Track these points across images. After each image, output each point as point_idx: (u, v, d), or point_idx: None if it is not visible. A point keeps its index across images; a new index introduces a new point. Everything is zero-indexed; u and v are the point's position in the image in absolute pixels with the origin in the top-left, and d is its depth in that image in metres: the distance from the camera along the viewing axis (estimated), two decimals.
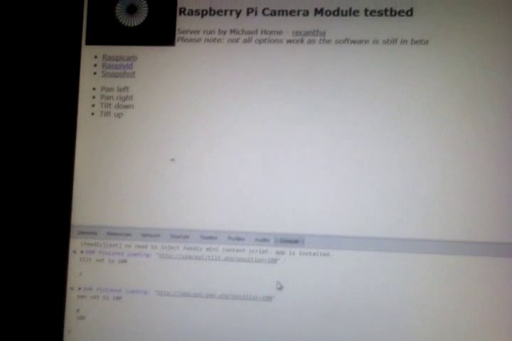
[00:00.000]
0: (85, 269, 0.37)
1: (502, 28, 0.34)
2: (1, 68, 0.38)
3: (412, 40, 0.35)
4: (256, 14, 0.36)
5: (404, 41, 0.35)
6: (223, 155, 0.36)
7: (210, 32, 0.37)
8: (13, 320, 0.37)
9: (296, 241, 0.35)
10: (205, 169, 0.36)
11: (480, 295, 0.34)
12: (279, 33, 0.36)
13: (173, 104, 0.37)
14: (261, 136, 0.36)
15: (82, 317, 0.37)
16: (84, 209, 0.37)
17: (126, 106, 0.37)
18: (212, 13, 0.37)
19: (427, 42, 0.35)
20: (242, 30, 0.36)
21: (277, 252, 0.35)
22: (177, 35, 0.37)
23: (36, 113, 0.38)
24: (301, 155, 0.35)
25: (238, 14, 0.36)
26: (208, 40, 0.37)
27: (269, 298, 0.35)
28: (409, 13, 0.35)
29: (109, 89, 0.37)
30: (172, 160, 0.36)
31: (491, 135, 0.34)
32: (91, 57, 0.37)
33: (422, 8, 0.35)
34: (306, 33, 0.36)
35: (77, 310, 0.37)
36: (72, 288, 0.37)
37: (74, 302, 0.37)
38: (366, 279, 0.35)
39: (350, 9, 0.35)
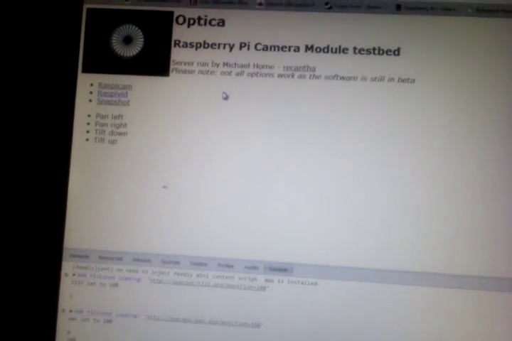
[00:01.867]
0: (77, 292, 0.38)
1: (489, 66, 0.36)
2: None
3: (399, 78, 0.36)
4: (248, 49, 0.37)
5: (391, 79, 0.36)
6: (215, 183, 0.37)
7: (204, 64, 0.38)
8: None
9: (285, 270, 0.36)
10: (197, 196, 0.37)
11: (469, 329, 0.35)
12: (271, 67, 0.37)
13: (166, 133, 0.38)
14: (252, 166, 0.37)
15: (73, 340, 0.37)
16: (76, 233, 0.38)
17: (120, 134, 0.38)
18: (206, 46, 0.38)
19: (413, 80, 0.36)
20: (235, 64, 0.37)
21: (266, 280, 0.36)
22: (171, 66, 0.38)
23: (32, 138, 0.38)
24: (291, 186, 0.37)
25: (231, 48, 0.38)
26: (201, 72, 0.38)
27: (257, 325, 0.36)
28: (396, 52, 0.36)
29: (104, 117, 0.38)
30: (164, 187, 0.37)
31: (484, 168, 0.36)
32: (87, 84, 0.38)
33: (408, 48, 0.36)
34: (297, 68, 0.37)
35: (68, 332, 0.37)
36: (63, 310, 0.38)
37: (65, 325, 0.38)
38: (353, 309, 0.36)
39: (340, 47, 0.37)
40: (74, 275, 0.38)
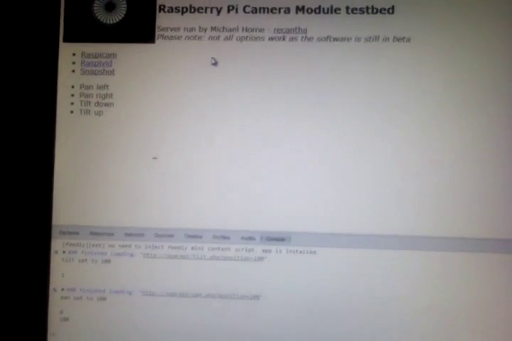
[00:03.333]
0: (68, 270, 0.36)
1: (485, 24, 0.35)
2: None
3: (394, 37, 0.35)
4: (237, 12, 0.36)
5: (386, 39, 0.35)
6: (207, 153, 0.36)
7: (191, 29, 0.36)
8: None
9: (282, 239, 0.35)
10: (188, 167, 0.36)
11: (470, 292, 0.35)
12: (261, 30, 0.36)
13: (153, 102, 0.36)
14: (245, 133, 0.36)
15: (66, 319, 0.36)
16: (65, 209, 0.36)
17: (106, 104, 0.36)
18: (192, 10, 0.36)
19: (409, 39, 0.35)
20: (223, 28, 0.36)
21: (264, 250, 0.35)
22: (157, 33, 0.36)
23: (14, 112, 0.37)
24: (287, 152, 0.35)
25: (219, 11, 0.36)
26: (188, 38, 0.36)
27: (256, 297, 0.35)
28: (390, 10, 0.35)
29: (89, 87, 0.37)
30: (154, 158, 0.36)
31: (479, 130, 0.35)
32: (69, 54, 0.37)
33: (403, 5, 0.35)
34: (288, 31, 0.36)
35: (61, 312, 0.36)
36: (54, 289, 0.36)
37: (57, 304, 0.36)
38: (353, 277, 0.35)
39: (332, 7, 0.35)
40: (64, 252, 0.36)
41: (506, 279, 0.35)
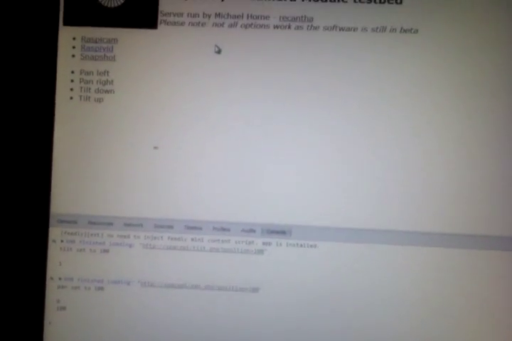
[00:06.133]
0: (65, 259, 0.36)
1: (493, 16, 0.34)
2: None
3: (402, 28, 0.34)
4: None
5: (393, 29, 0.34)
6: (208, 143, 0.35)
7: (194, 15, 0.35)
8: None
9: (283, 232, 0.35)
10: (189, 157, 0.35)
11: (468, 288, 0.35)
12: (266, 18, 0.35)
13: (155, 89, 0.35)
14: (246, 123, 0.35)
15: (63, 308, 0.36)
16: (63, 197, 0.36)
17: (107, 91, 0.36)
18: None
19: (416, 30, 0.34)
20: (228, 14, 0.35)
21: (264, 243, 0.35)
22: (159, 18, 0.35)
23: (12, 97, 0.36)
24: (289, 144, 0.35)
25: None
26: (191, 24, 0.35)
27: (255, 290, 0.35)
28: (398, 1, 0.34)
29: (89, 73, 0.36)
30: (155, 147, 0.35)
31: (487, 124, 0.34)
32: (69, 38, 0.36)
33: None
34: (294, 19, 0.35)
35: (58, 301, 0.36)
36: (52, 278, 0.36)
37: (54, 293, 0.36)
38: (354, 271, 0.35)
39: None
40: (62, 241, 0.36)
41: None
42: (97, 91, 0.36)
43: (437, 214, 0.34)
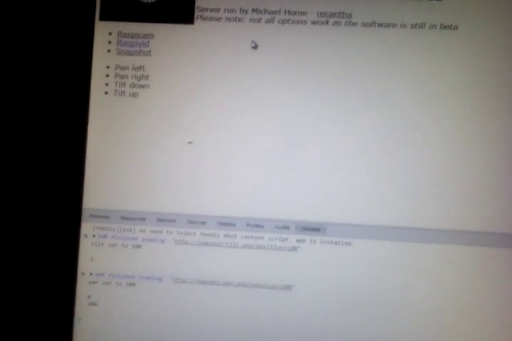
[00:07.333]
0: (97, 254, 0.36)
1: None
2: (11, 45, 0.36)
3: (442, 25, 0.34)
4: None
5: (432, 26, 0.34)
6: (244, 139, 0.35)
7: (231, 11, 0.35)
8: (22, 306, 0.36)
9: (317, 229, 0.34)
10: (224, 153, 0.35)
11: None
12: (304, 13, 0.35)
13: (190, 85, 0.35)
14: (282, 120, 0.35)
15: (94, 304, 0.36)
16: (96, 192, 0.36)
17: (142, 86, 0.35)
18: None
19: (456, 27, 0.34)
20: (265, 10, 0.35)
21: (298, 240, 0.35)
22: (196, 13, 0.35)
23: (47, 92, 0.36)
24: (323, 142, 0.34)
25: None
26: (228, 19, 0.35)
27: (288, 287, 0.35)
28: None
29: (124, 68, 0.36)
30: (189, 143, 0.35)
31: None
32: (105, 33, 0.36)
33: None
34: (332, 15, 0.34)
35: (89, 297, 0.36)
36: (83, 274, 0.36)
37: (85, 288, 0.36)
38: (388, 269, 0.34)
39: None
40: (94, 236, 0.36)
41: None
42: (132, 86, 0.36)
43: (473, 212, 0.34)
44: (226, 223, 0.35)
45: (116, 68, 0.36)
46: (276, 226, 0.35)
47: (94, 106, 0.36)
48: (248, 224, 0.35)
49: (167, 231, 0.35)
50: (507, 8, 0.34)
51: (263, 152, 0.35)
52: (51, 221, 0.36)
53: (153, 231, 0.35)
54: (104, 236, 0.36)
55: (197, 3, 0.35)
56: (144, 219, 0.35)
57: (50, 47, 0.36)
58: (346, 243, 0.34)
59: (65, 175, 0.36)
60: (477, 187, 0.34)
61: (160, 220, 0.35)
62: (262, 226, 0.35)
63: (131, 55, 0.36)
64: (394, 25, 0.34)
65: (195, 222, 0.35)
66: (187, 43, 0.35)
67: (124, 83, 0.36)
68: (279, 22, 0.35)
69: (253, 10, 0.35)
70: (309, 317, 0.35)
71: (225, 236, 0.35)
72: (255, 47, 0.35)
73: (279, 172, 0.35)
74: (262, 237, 0.35)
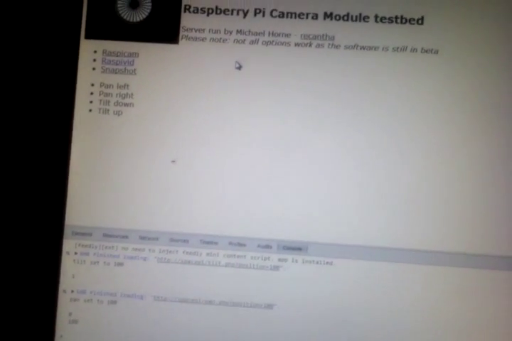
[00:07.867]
0: (79, 271, 0.36)
1: None
2: None
3: (422, 48, 0.34)
4: (264, 15, 0.35)
5: (414, 49, 0.35)
6: (226, 158, 0.35)
7: (216, 31, 0.35)
8: (3, 322, 0.36)
9: (299, 249, 0.35)
10: (207, 172, 0.35)
11: (489, 309, 0.34)
12: (287, 35, 0.35)
13: (174, 104, 0.35)
14: (265, 140, 0.35)
15: (75, 321, 0.36)
16: (79, 209, 0.36)
17: (126, 104, 0.36)
18: (218, 12, 0.36)
19: (437, 51, 0.34)
20: (249, 31, 0.35)
21: (280, 259, 0.35)
22: (181, 33, 0.36)
23: (31, 108, 0.36)
24: (306, 161, 0.35)
25: (245, 14, 0.35)
26: (213, 40, 0.35)
27: (270, 306, 0.35)
28: (419, 21, 0.35)
29: (109, 86, 0.36)
30: (173, 161, 0.35)
31: (502, 147, 0.34)
32: (90, 51, 0.36)
33: (433, 16, 0.35)
34: (315, 37, 0.35)
35: (70, 314, 0.36)
36: (64, 291, 0.36)
37: (66, 306, 0.36)
38: (369, 289, 0.35)
39: (360, 15, 0.35)
40: (76, 253, 0.36)
41: None
42: (117, 104, 0.36)
43: (456, 233, 0.34)
44: (208, 241, 0.35)
45: (100, 86, 0.36)
46: (259, 245, 0.35)
47: (78, 124, 0.36)
48: (230, 243, 0.35)
49: (149, 249, 0.35)
50: (487, 34, 0.34)
51: (246, 172, 0.35)
52: (33, 237, 0.36)
53: (136, 249, 0.35)
54: (87, 254, 0.36)
55: (182, 23, 0.36)
56: (126, 237, 0.35)
57: (36, 64, 0.36)
58: (328, 262, 0.35)
59: (47, 192, 0.36)
60: (463, 208, 0.34)
61: (142, 238, 0.35)
62: (245, 245, 0.35)
63: (116, 73, 0.36)
64: (376, 48, 0.35)
65: (178, 240, 0.35)
66: (171, 63, 0.36)
67: (109, 101, 0.36)
68: (263, 43, 0.35)
69: (237, 31, 0.35)
70: (291, 336, 0.35)
71: (208, 254, 0.35)
72: (239, 67, 0.35)
73: (261, 191, 0.35)
74: (244, 256, 0.35)
